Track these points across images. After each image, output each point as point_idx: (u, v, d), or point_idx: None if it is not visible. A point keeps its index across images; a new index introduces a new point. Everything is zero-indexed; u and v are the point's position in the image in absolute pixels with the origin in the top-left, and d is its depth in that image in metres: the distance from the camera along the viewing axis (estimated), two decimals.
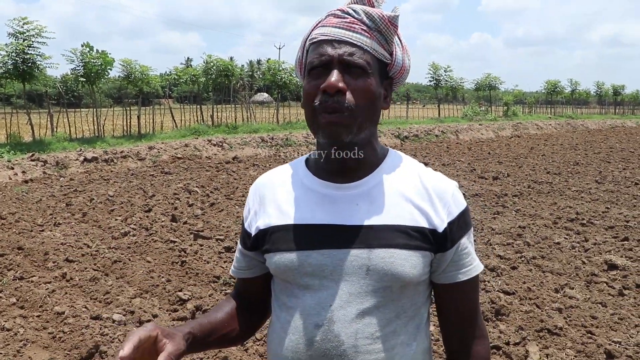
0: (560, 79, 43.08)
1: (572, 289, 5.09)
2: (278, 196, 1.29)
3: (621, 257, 5.94)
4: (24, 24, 16.28)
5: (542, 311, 4.58)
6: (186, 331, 1.19)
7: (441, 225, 1.19)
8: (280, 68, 25.15)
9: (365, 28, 1.15)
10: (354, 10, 1.16)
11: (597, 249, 6.30)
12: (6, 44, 16.12)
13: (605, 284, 5.21)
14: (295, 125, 23.04)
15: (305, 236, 1.20)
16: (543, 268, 5.65)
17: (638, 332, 4.23)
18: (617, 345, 3.99)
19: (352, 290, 1.17)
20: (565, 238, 6.73)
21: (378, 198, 1.21)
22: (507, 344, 4.01)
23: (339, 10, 1.17)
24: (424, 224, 1.18)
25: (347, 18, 1.15)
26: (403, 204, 1.20)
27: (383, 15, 1.14)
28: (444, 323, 1.29)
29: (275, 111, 25.37)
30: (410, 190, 1.22)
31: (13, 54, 15.97)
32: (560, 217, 7.78)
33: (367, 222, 1.18)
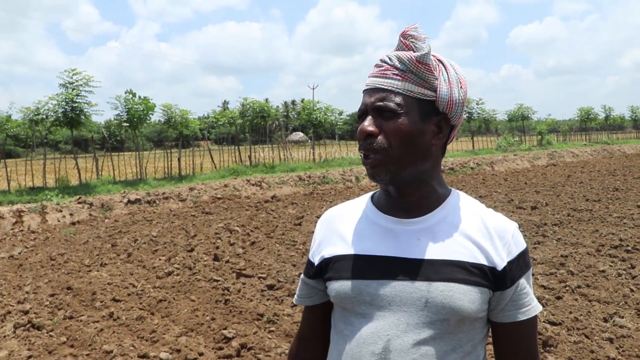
0: (593, 106, 42.43)
1: (622, 317, 4.96)
2: (343, 227, 1.37)
3: None
4: (73, 75, 17.11)
5: (592, 341, 4.48)
6: None
7: (501, 264, 1.22)
8: (315, 107, 25.51)
9: (397, 72, 1.23)
10: (389, 58, 1.25)
11: None
12: (57, 94, 16.96)
13: None
14: (332, 162, 23.20)
15: (367, 266, 1.27)
16: (589, 297, 5.53)
17: None
18: None
19: (410, 321, 1.21)
20: (610, 265, 6.58)
21: (439, 234, 1.26)
22: None
23: (380, 59, 1.28)
24: (483, 261, 1.22)
25: (383, 66, 1.25)
26: (463, 241, 1.24)
27: (411, 57, 1.21)
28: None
29: (311, 150, 25.64)
30: (471, 228, 1.26)
31: (63, 102, 16.77)
32: (604, 244, 7.62)
33: (427, 257, 1.23)
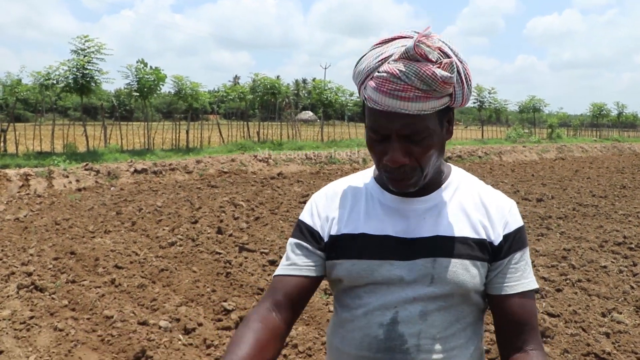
0: (606, 102, 42.36)
1: (621, 313, 4.97)
2: (350, 206, 1.37)
3: None
4: (85, 42, 17.10)
5: (588, 335, 4.49)
6: None
7: (497, 239, 1.29)
8: (326, 87, 25.41)
9: (419, 93, 1.11)
10: (406, 76, 1.10)
11: None
12: (68, 60, 16.95)
13: None
14: (340, 143, 23.17)
15: (378, 246, 1.30)
16: (589, 291, 5.54)
17: None
18: None
19: (417, 295, 1.27)
20: (612, 262, 6.58)
21: (443, 212, 1.31)
22: None
23: (389, 73, 1.11)
24: (483, 235, 1.29)
25: (399, 84, 1.11)
26: (465, 218, 1.31)
27: (436, 77, 1.09)
28: (497, 332, 1.34)
29: (320, 129, 25.59)
30: (472, 205, 1.33)
31: (74, 69, 16.77)
32: (607, 240, 7.60)
33: (432, 234, 1.29)
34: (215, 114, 26.81)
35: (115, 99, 23.62)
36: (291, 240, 1.41)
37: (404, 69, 1.10)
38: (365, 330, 1.29)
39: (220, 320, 4.66)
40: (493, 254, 1.29)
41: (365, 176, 1.44)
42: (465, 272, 1.26)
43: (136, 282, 5.46)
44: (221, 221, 8.23)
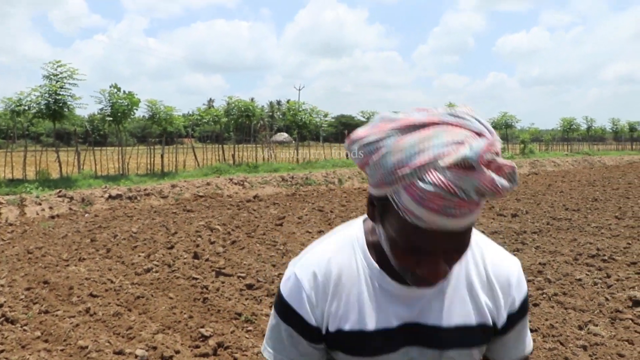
0: (575, 117, 43.25)
1: (597, 325, 5.02)
2: (346, 296, 1.22)
3: None
4: (57, 67, 16.95)
5: (566, 349, 4.53)
6: None
7: (502, 321, 1.25)
8: (300, 109, 25.53)
9: (473, 206, 0.93)
10: (464, 192, 0.89)
11: (620, 285, 6.22)
12: (40, 86, 16.80)
13: (630, 321, 5.14)
14: (315, 164, 23.21)
15: (384, 341, 1.21)
16: (565, 305, 5.60)
17: None
18: None
19: None
20: (586, 274, 6.66)
21: (448, 296, 1.21)
22: None
23: (442, 189, 0.89)
24: (488, 320, 1.23)
25: (454, 200, 0.90)
26: (471, 302, 1.22)
27: (499, 190, 0.90)
28: None
29: (295, 151, 25.63)
30: (478, 285, 1.22)
31: (46, 94, 16.62)
32: (581, 253, 7.71)
33: (439, 323, 1.21)
34: (190, 138, 26.70)
35: (89, 124, 23.37)
36: (280, 322, 1.25)
37: (461, 184, 0.89)
38: None
39: (197, 347, 4.59)
40: (497, 332, 1.27)
41: (355, 248, 1.24)
42: (469, 358, 1.24)
43: (112, 311, 5.36)
44: (197, 246, 8.16)
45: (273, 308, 1.28)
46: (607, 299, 5.73)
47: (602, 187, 17.17)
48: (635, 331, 4.93)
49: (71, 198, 12.54)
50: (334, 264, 1.22)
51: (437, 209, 0.91)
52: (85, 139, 24.28)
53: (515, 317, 1.26)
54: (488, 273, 1.23)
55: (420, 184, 0.90)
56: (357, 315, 1.20)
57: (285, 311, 1.24)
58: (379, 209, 1.05)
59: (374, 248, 1.22)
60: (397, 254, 1.04)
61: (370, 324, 1.19)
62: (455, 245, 0.99)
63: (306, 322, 1.22)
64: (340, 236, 1.27)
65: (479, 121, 0.94)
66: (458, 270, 1.22)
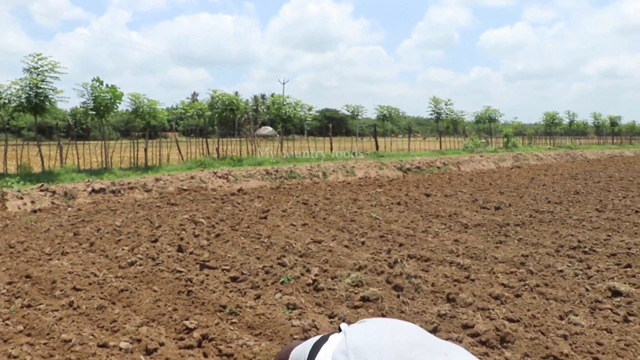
0: (558, 111, 43.75)
1: (577, 315, 5.10)
2: None
3: (624, 283, 5.96)
4: (38, 60, 16.74)
5: (547, 338, 4.60)
6: None
7: None
8: (285, 102, 25.47)
9: None
10: None
11: (600, 276, 6.32)
12: (20, 79, 16.57)
13: (609, 311, 5.23)
14: (299, 158, 23.20)
15: None
16: (547, 295, 5.67)
17: None
18: None
19: None
20: (568, 266, 6.76)
21: None
22: None
23: None
24: None
25: None
26: None
27: None
28: None
29: (280, 144, 25.60)
30: None
31: (27, 88, 16.40)
32: (563, 245, 7.82)
33: None
34: (174, 131, 26.57)
35: (71, 118, 23.15)
36: None
37: None
38: None
39: (182, 339, 4.59)
40: None
41: None
42: None
43: (95, 304, 5.34)
44: (181, 239, 8.14)
45: None
46: (587, 290, 5.82)
47: (583, 181, 17.39)
48: (614, 320, 5.02)
49: (53, 192, 12.42)
50: None
51: None
52: (68, 133, 24.03)
53: None
54: None
55: None
56: None
57: None
58: None
59: None
60: None
61: None
62: None
63: None
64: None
65: None
66: None
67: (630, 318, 5.04)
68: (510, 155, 28.34)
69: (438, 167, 22.14)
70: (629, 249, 7.54)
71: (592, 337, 4.60)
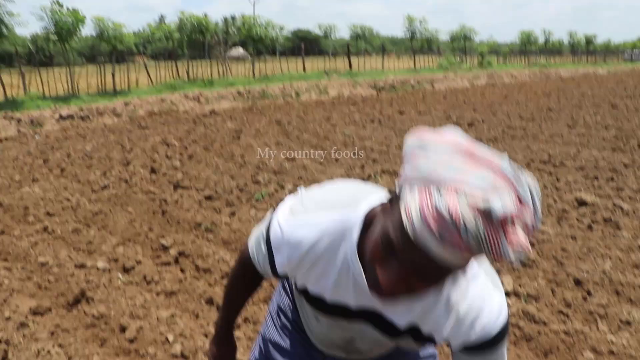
0: (534, 29, 43.68)
1: (544, 224, 5.27)
2: (321, 271, 1.22)
3: (591, 194, 6.13)
4: None
5: None
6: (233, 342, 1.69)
7: (445, 339, 1.19)
8: (255, 23, 24.78)
9: (464, 251, 0.88)
10: (466, 231, 0.84)
11: (568, 187, 6.49)
12: None
13: (575, 220, 5.40)
14: (272, 78, 22.86)
15: (340, 310, 1.26)
16: None
17: (604, 261, 4.42)
18: (585, 273, 4.18)
19: (372, 335, 1.31)
20: (538, 178, 6.91)
21: (415, 303, 1.16)
22: None
23: (451, 214, 0.84)
24: (442, 341, 1.21)
25: (451, 231, 0.84)
26: (431, 316, 1.17)
27: (496, 251, 0.85)
28: None
29: (251, 65, 25.11)
30: (442, 308, 1.16)
31: None
32: (534, 159, 7.96)
33: (397, 321, 1.20)
34: (142, 55, 25.81)
35: (32, 44, 22.26)
36: (261, 238, 1.34)
37: (468, 223, 0.83)
38: (326, 333, 1.41)
39: (158, 257, 4.64)
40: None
41: (347, 238, 1.16)
42: (413, 345, 1.27)
43: (70, 228, 5.32)
44: (154, 161, 8.07)
45: (265, 228, 1.33)
46: (555, 201, 5.99)
47: (556, 98, 17.51)
48: (579, 228, 5.20)
49: (19, 120, 12.11)
50: (319, 248, 1.19)
51: (432, 227, 0.85)
52: (30, 60, 23.18)
53: (474, 349, 1.17)
54: (459, 307, 1.15)
55: (435, 196, 0.86)
56: (326, 288, 1.23)
57: (267, 243, 1.29)
58: (394, 199, 0.98)
59: (364, 243, 1.10)
60: (376, 244, 0.99)
61: (335, 298, 1.23)
62: (425, 273, 0.93)
63: (275, 265, 1.29)
64: (338, 217, 1.18)
65: (532, 195, 0.87)
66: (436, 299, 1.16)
67: (594, 226, 5.21)
68: (485, 73, 28.33)
69: (412, 86, 22.04)
70: (597, 162, 7.72)
71: (557, 244, 4.77)
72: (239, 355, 3.05)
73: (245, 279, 1.52)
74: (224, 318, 1.64)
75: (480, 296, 1.14)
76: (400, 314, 1.18)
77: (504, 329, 1.15)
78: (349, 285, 1.18)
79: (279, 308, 1.67)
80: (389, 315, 1.20)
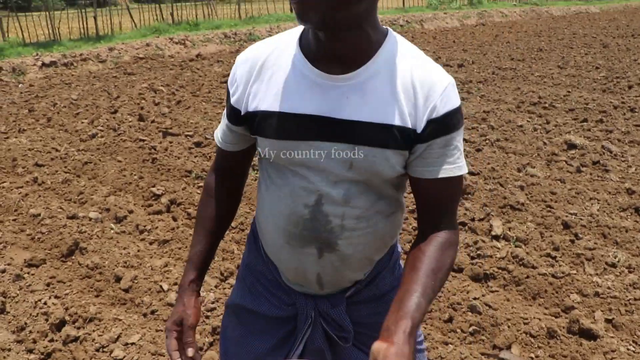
0: None
1: (534, 167, 5.31)
2: (269, 78, 1.26)
3: (580, 137, 6.17)
4: None
5: (505, 189, 4.80)
6: (195, 293, 1.46)
7: (421, 126, 1.18)
8: None
9: None
10: None
11: (557, 130, 6.51)
12: None
13: (564, 162, 5.45)
14: (258, 19, 22.37)
15: (295, 126, 1.22)
16: (506, 149, 5.85)
17: (592, 204, 4.50)
18: (573, 216, 4.25)
19: (338, 179, 1.24)
20: (527, 121, 6.92)
21: (368, 92, 1.19)
22: (472, 220, 4.23)
23: None
24: (407, 123, 1.18)
25: None
26: (390, 101, 1.18)
27: None
28: (416, 210, 1.35)
29: (237, 6, 24.50)
30: (400, 88, 1.19)
31: None
32: (524, 101, 7.94)
33: (353, 118, 1.18)
34: None
35: None
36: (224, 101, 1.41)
37: None
38: (292, 208, 1.29)
39: (150, 205, 4.65)
40: (415, 140, 1.20)
41: (289, 40, 1.27)
42: (384, 161, 1.20)
43: (60, 178, 5.30)
44: (142, 108, 7.97)
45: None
46: (544, 144, 6.02)
47: (547, 38, 17.29)
48: (567, 171, 5.25)
49: (0, 68, 11.82)
50: (266, 50, 1.29)
51: None
52: (6, 4, 22.47)
53: (438, 127, 1.19)
54: (413, 80, 1.19)
55: None
56: (275, 98, 1.24)
57: (227, 94, 1.36)
58: None
59: (306, 44, 1.24)
60: None
61: (286, 107, 1.22)
62: None
63: (230, 100, 1.33)
64: (292, 30, 1.32)
65: None
66: (379, 71, 1.19)
67: (583, 169, 5.27)
68: (475, 12, 27.78)
69: (401, 25, 21.66)
70: (587, 104, 7.72)
71: (546, 187, 4.83)
72: None
73: (209, 200, 1.51)
74: (188, 259, 1.49)
75: (427, 67, 1.22)
76: (356, 106, 1.19)
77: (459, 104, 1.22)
78: (300, 87, 1.22)
79: (247, 266, 1.58)
80: (345, 113, 1.19)
